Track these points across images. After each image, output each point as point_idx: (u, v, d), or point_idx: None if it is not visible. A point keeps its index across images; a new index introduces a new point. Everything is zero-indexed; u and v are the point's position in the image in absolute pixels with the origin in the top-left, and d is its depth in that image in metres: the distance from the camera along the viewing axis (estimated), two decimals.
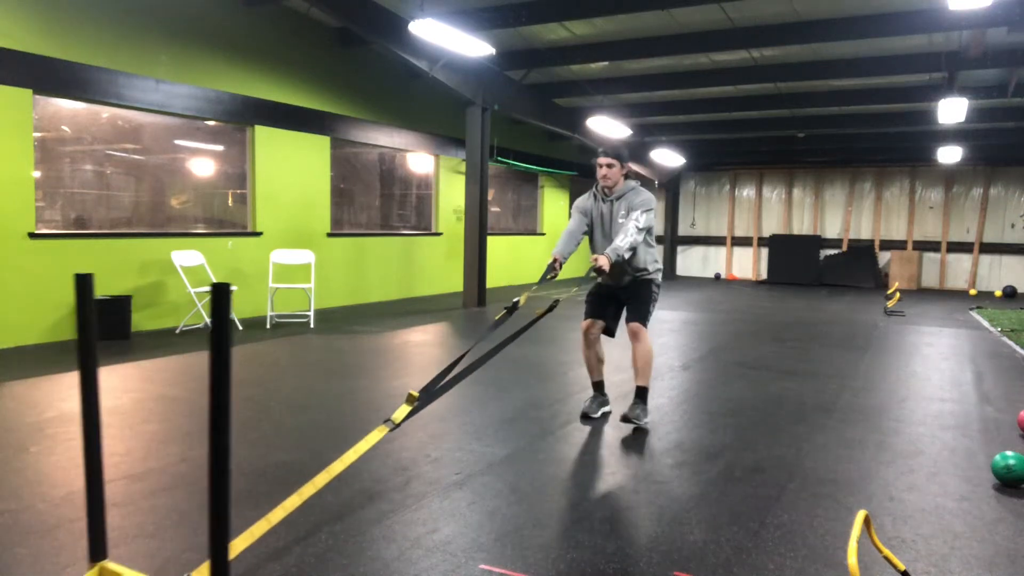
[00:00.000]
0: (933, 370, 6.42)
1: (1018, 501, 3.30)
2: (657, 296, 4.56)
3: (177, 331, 7.71)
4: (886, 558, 2.30)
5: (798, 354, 7.17)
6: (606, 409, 4.72)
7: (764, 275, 17.98)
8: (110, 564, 2.15)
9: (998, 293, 15.31)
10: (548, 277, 4.30)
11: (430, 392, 2.86)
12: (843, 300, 13.21)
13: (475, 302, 10.59)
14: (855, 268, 16.82)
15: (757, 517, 3.05)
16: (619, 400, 5.09)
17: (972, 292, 15.58)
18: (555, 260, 4.35)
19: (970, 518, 3.10)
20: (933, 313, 11.17)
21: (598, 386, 4.72)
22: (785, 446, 4.08)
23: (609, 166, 4.38)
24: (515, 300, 3.74)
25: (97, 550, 2.12)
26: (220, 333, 1.78)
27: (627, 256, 4.26)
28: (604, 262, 4.13)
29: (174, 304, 7.99)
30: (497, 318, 3.59)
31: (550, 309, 3.93)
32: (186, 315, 8.00)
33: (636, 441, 4.15)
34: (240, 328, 7.97)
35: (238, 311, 8.39)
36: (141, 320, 7.68)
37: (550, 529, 2.90)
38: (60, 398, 4.82)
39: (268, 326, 8.21)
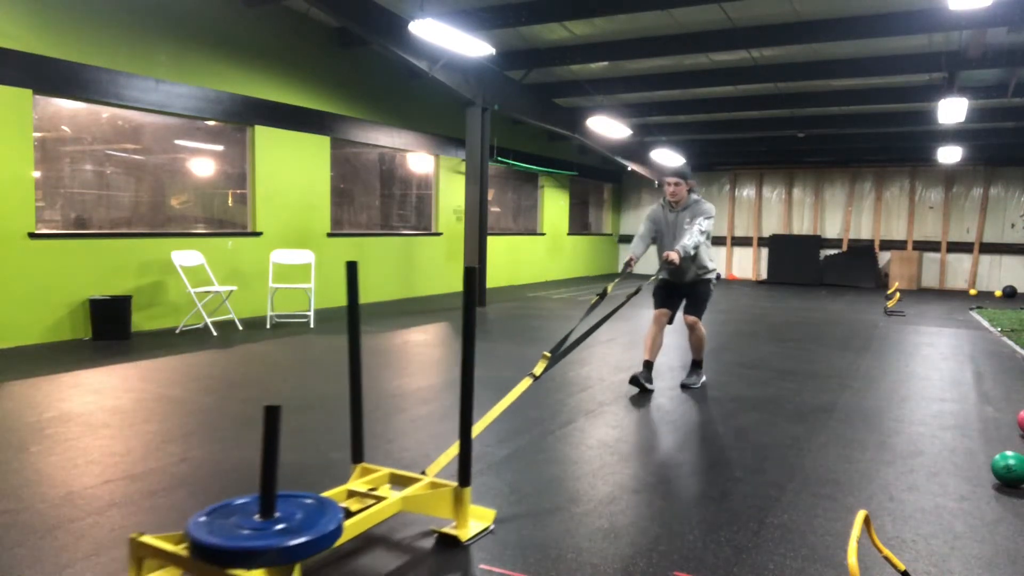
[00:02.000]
0: (933, 370, 6.42)
1: (1018, 501, 3.30)
2: (712, 293, 5.52)
3: (177, 331, 7.71)
4: (886, 558, 2.30)
5: (798, 354, 7.17)
6: (650, 388, 5.43)
7: (764, 275, 17.98)
8: (368, 464, 3.08)
9: (998, 293, 15.31)
10: (626, 272, 5.18)
11: (555, 355, 3.66)
12: (843, 300, 13.21)
13: (475, 302, 10.58)
14: (855, 268, 16.82)
15: (757, 517, 3.05)
16: (619, 400, 5.09)
17: (972, 292, 15.58)
18: (630, 259, 5.26)
19: (970, 518, 3.10)
20: (933, 313, 11.17)
21: (648, 365, 5.43)
22: (785, 446, 4.08)
23: (676, 184, 5.37)
24: (604, 288, 4.52)
25: (357, 454, 3.04)
26: (469, 313, 2.81)
27: (692, 253, 5.18)
28: (675, 257, 5.04)
29: (174, 304, 8.00)
30: (592, 303, 4.37)
31: (636, 291, 4.87)
32: (186, 315, 8.00)
33: (636, 441, 4.15)
34: (240, 328, 7.97)
35: (238, 311, 8.39)
36: (141, 320, 7.68)
37: (550, 529, 2.90)
38: (60, 398, 4.82)
39: (268, 326, 8.22)
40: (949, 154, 14.31)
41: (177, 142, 8.38)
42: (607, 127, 12.90)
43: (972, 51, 9.01)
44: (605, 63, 10.72)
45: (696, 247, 5.19)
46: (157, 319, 7.87)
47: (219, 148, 8.82)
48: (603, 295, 4.40)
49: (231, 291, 8.06)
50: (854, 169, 17.14)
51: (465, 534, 2.74)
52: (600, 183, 18.95)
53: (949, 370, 6.43)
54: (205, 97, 8.24)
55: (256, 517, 2.17)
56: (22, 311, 6.71)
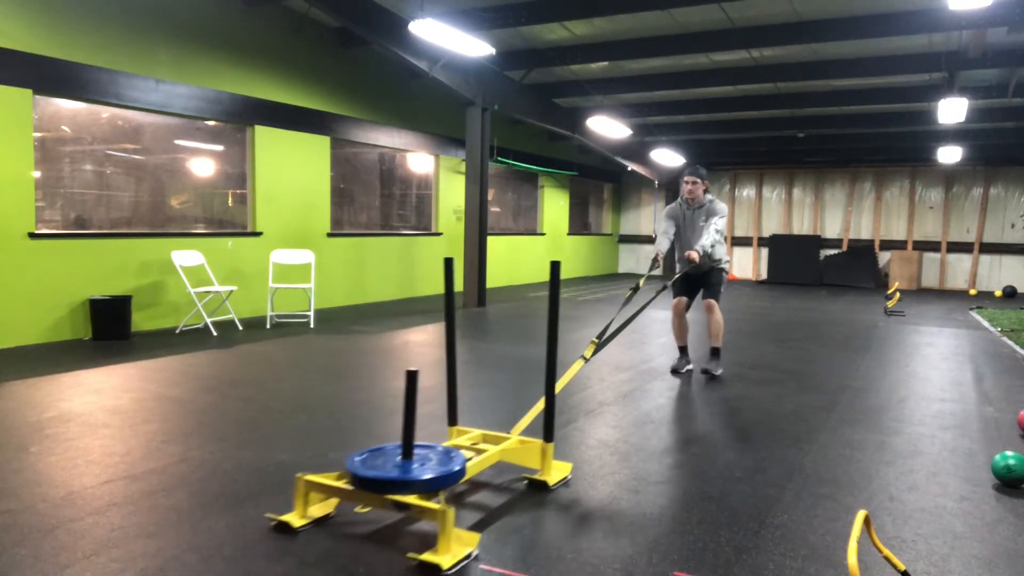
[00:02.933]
0: (933, 370, 6.42)
1: (1018, 501, 3.30)
2: (725, 279, 6.06)
3: (177, 331, 7.71)
4: (886, 558, 2.30)
5: (798, 354, 7.17)
6: (689, 367, 6.12)
7: (764, 275, 17.99)
8: (461, 427, 3.68)
9: (998, 293, 15.31)
10: (654, 268, 5.61)
11: (601, 341, 4.21)
12: (843, 300, 13.21)
13: (475, 302, 10.59)
14: (855, 268, 16.82)
15: (757, 517, 3.05)
16: (619, 400, 5.09)
17: (972, 292, 15.58)
18: (657, 255, 5.67)
19: (970, 518, 3.10)
20: (933, 313, 11.17)
21: (683, 350, 6.15)
22: (785, 446, 4.08)
23: (694, 183, 5.84)
24: (637, 282, 5.02)
25: (452, 418, 3.66)
26: (554, 302, 3.32)
27: (710, 252, 5.76)
28: (695, 256, 5.60)
29: (174, 304, 8.00)
30: (627, 296, 4.84)
31: (664, 288, 5.44)
32: (186, 315, 8.00)
33: (636, 441, 4.15)
34: (240, 328, 7.97)
35: (238, 311, 8.39)
36: (141, 320, 7.68)
37: (550, 529, 2.90)
38: (60, 398, 4.82)
39: (268, 326, 8.22)
40: (949, 154, 14.30)
41: (177, 142, 8.38)
42: (607, 127, 12.90)
43: (972, 51, 9.01)
44: (605, 63, 10.72)
45: (713, 245, 5.73)
46: (157, 319, 7.87)
47: (219, 148, 8.82)
48: (636, 289, 4.88)
49: (231, 291, 8.06)
50: (854, 169, 17.15)
51: (551, 480, 3.35)
52: (600, 183, 18.95)
53: (949, 370, 6.43)
54: (205, 97, 8.24)
55: (399, 459, 2.86)
56: (22, 311, 6.71)
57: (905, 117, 13.14)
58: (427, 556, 2.54)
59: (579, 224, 18.22)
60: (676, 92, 12.21)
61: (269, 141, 9.11)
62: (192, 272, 7.88)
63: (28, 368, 5.73)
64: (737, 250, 18.57)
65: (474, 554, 2.63)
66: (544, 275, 16.07)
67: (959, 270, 16.42)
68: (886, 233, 17.05)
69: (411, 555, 2.58)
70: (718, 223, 5.73)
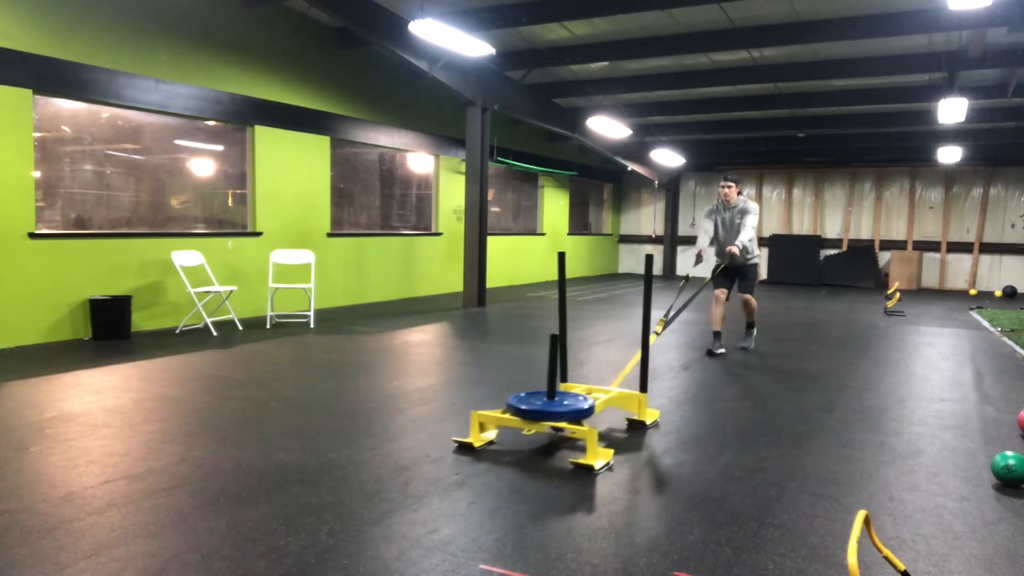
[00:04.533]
0: (933, 370, 6.42)
1: (1018, 501, 3.30)
2: (759, 274, 6.98)
3: (177, 331, 7.71)
4: (886, 558, 2.30)
5: (798, 354, 7.17)
6: (722, 351, 6.96)
7: (764, 275, 17.97)
8: (571, 383, 4.67)
9: (998, 293, 15.31)
10: (697, 263, 6.89)
11: (668, 319, 5.57)
12: (843, 300, 13.21)
13: (475, 302, 10.59)
14: (855, 268, 16.82)
15: (757, 517, 3.05)
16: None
17: (972, 292, 15.57)
18: (700, 252, 6.91)
19: (970, 518, 3.10)
20: (933, 313, 11.17)
21: (717, 335, 7.02)
22: (785, 446, 4.08)
23: (728, 188, 6.92)
24: (687, 274, 6.52)
25: (563, 376, 4.63)
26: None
27: (747, 246, 6.74)
28: (736, 250, 6.65)
29: (174, 304, 8.00)
30: (681, 285, 6.47)
31: (711, 278, 6.90)
32: (186, 315, 8.00)
33: (636, 441, 4.15)
34: (240, 328, 7.97)
35: (238, 311, 8.39)
36: (141, 320, 7.68)
37: (550, 529, 2.90)
38: (60, 398, 4.82)
39: (268, 326, 8.22)
40: (949, 154, 14.30)
41: (177, 142, 8.38)
42: (607, 127, 12.90)
43: (972, 51, 9.01)
44: (605, 63, 10.72)
45: (749, 241, 6.73)
46: (157, 319, 7.87)
47: (219, 148, 8.82)
48: (687, 279, 6.50)
49: (231, 291, 8.06)
50: (854, 169, 17.14)
51: (648, 420, 4.49)
52: (600, 183, 18.95)
53: (949, 370, 6.43)
54: (205, 97, 8.24)
55: (544, 399, 3.95)
56: (22, 311, 6.71)
57: (905, 117, 13.14)
58: (582, 460, 3.63)
59: (579, 224, 18.22)
60: (676, 92, 12.20)
61: (269, 141, 9.11)
62: (192, 272, 7.88)
63: (28, 368, 5.73)
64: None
65: (611, 464, 3.70)
66: (544, 275, 16.07)
67: (959, 270, 16.42)
68: (886, 233, 17.05)
69: (572, 460, 3.68)
70: (752, 221, 6.76)
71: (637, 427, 4.42)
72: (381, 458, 3.71)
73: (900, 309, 11.42)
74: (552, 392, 3.93)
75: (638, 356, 4.61)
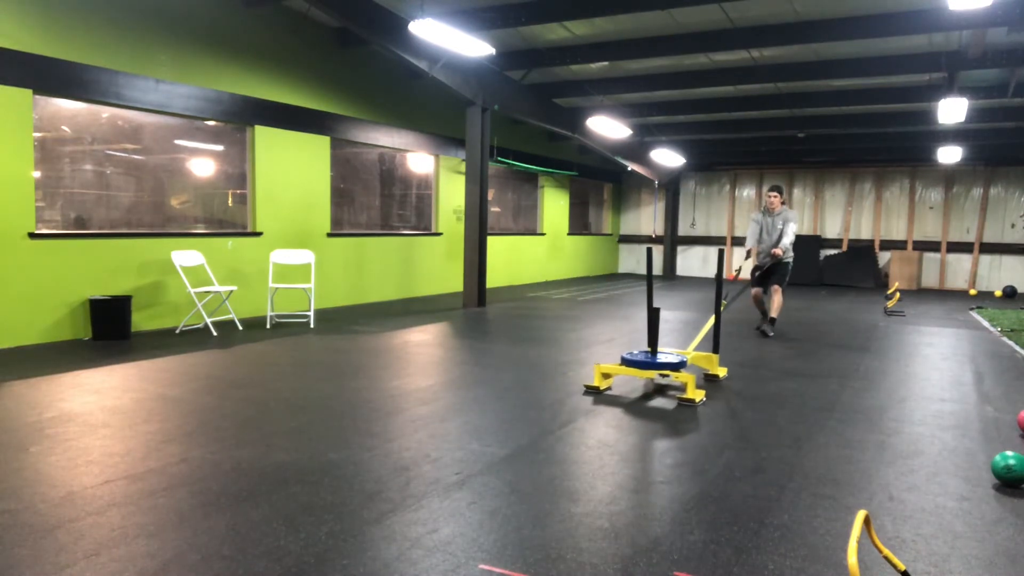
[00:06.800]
0: (933, 370, 6.42)
1: (1018, 501, 3.30)
2: (791, 270, 8.43)
3: (177, 331, 7.71)
4: (886, 558, 2.30)
5: (798, 354, 7.17)
6: (771, 334, 8.20)
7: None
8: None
9: (998, 293, 15.30)
10: (747, 259, 8.12)
11: (729, 301, 6.04)
12: (843, 300, 13.21)
13: (475, 302, 10.59)
14: (855, 268, 16.82)
15: (757, 517, 3.05)
16: (620, 400, 5.09)
17: (972, 292, 15.57)
18: (749, 250, 8.28)
19: (970, 518, 3.10)
20: (933, 313, 11.16)
21: (764, 313, 8.40)
22: (785, 446, 4.08)
23: (774, 196, 8.23)
24: (739, 266, 8.12)
25: (653, 345, 5.58)
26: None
27: (788, 246, 8.09)
28: (780, 252, 8.06)
29: (174, 304, 8.00)
30: (737, 269, 8.02)
31: (752, 277, 8.50)
32: (186, 315, 8.00)
33: (636, 441, 4.15)
34: (240, 328, 7.97)
35: (238, 311, 8.39)
36: (141, 320, 7.68)
37: (550, 529, 2.90)
38: (60, 398, 4.82)
39: (268, 326, 8.22)
40: (949, 154, 14.30)
41: (177, 142, 8.38)
42: (607, 127, 12.90)
43: (972, 51, 9.01)
44: (605, 63, 10.71)
45: (791, 244, 8.09)
46: (157, 319, 7.87)
47: (219, 148, 8.82)
48: (740, 270, 8.03)
49: (231, 291, 8.06)
50: (854, 169, 17.14)
51: (720, 375, 5.81)
52: (600, 183, 18.95)
53: (949, 370, 6.43)
54: (205, 97, 8.24)
55: (647, 356, 5.40)
56: (22, 311, 6.71)
57: (905, 117, 13.14)
58: (684, 396, 5.03)
59: (579, 224, 18.22)
60: (676, 92, 12.20)
61: (269, 141, 9.11)
62: (192, 272, 7.88)
63: (28, 368, 5.73)
64: (737, 250, 18.55)
65: (704, 400, 5.09)
66: (544, 275, 16.08)
67: (959, 270, 16.42)
68: (886, 233, 17.04)
69: (678, 395, 5.13)
70: (792, 226, 8.11)
71: (711, 379, 5.76)
72: (381, 458, 3.71)
73: (900, 309, 11.42)
74: (654, 349, 5.47)
75: (710, 323, 5.92)
